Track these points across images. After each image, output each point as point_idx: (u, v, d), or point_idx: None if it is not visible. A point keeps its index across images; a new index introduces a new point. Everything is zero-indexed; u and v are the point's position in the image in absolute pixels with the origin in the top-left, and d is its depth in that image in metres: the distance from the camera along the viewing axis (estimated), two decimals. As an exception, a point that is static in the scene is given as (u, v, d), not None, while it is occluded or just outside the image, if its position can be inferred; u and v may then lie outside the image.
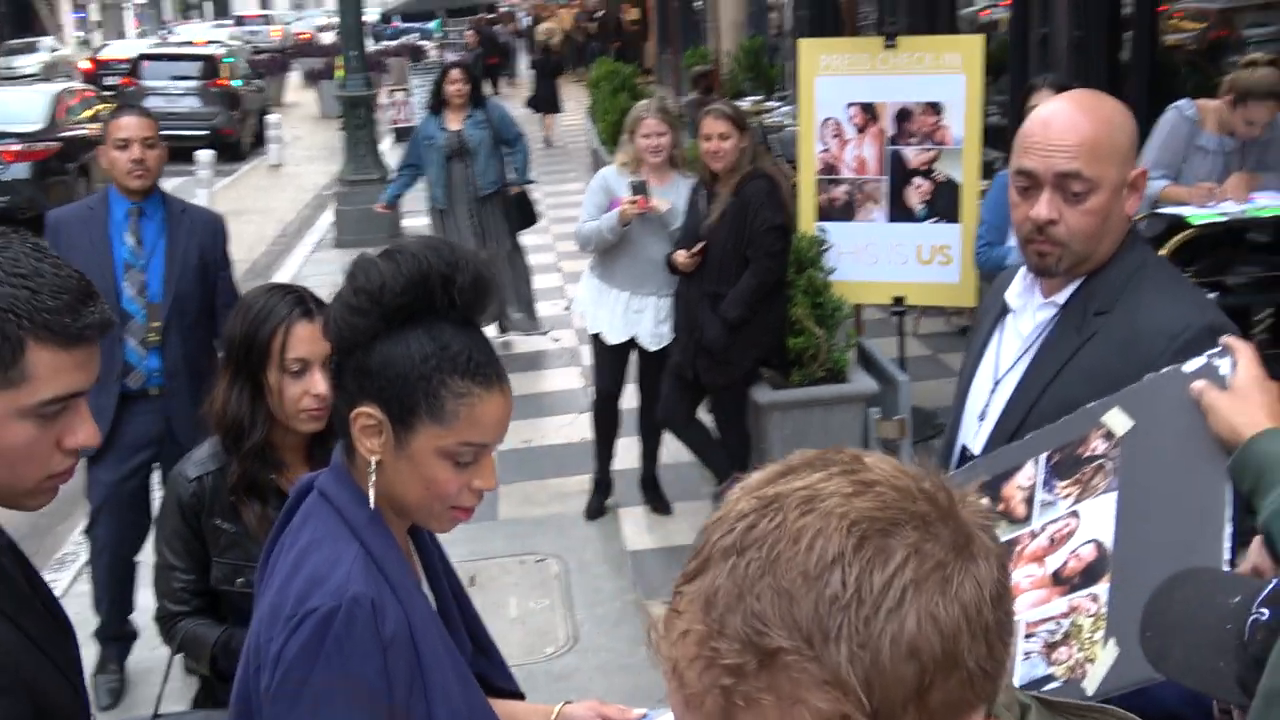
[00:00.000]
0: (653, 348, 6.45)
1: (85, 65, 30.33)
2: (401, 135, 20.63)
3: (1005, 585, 1.00)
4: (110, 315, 1.73)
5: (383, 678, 1.83)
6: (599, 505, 6.80)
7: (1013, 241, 5.63)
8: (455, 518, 1.96)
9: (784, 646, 0.93)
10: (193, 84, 23.02)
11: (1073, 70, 8.88)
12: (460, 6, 35.39)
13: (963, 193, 6.44)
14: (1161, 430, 2.07)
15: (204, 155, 15.98)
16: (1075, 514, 2.11)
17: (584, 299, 6.69)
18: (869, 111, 6.56)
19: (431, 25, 37.37)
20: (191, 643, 2.93)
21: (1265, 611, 1.49)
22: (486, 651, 2.28)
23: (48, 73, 30.58)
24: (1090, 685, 1.91)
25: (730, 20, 21.51)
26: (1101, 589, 1.99)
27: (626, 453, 7.04)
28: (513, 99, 24.31)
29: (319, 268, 13.25)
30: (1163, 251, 5.28)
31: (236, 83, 24.20)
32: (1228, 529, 1.90)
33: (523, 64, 35.71)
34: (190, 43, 29.54)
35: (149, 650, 5.10)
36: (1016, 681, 1.96)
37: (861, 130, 6.59)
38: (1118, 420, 2.12)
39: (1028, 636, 2.06)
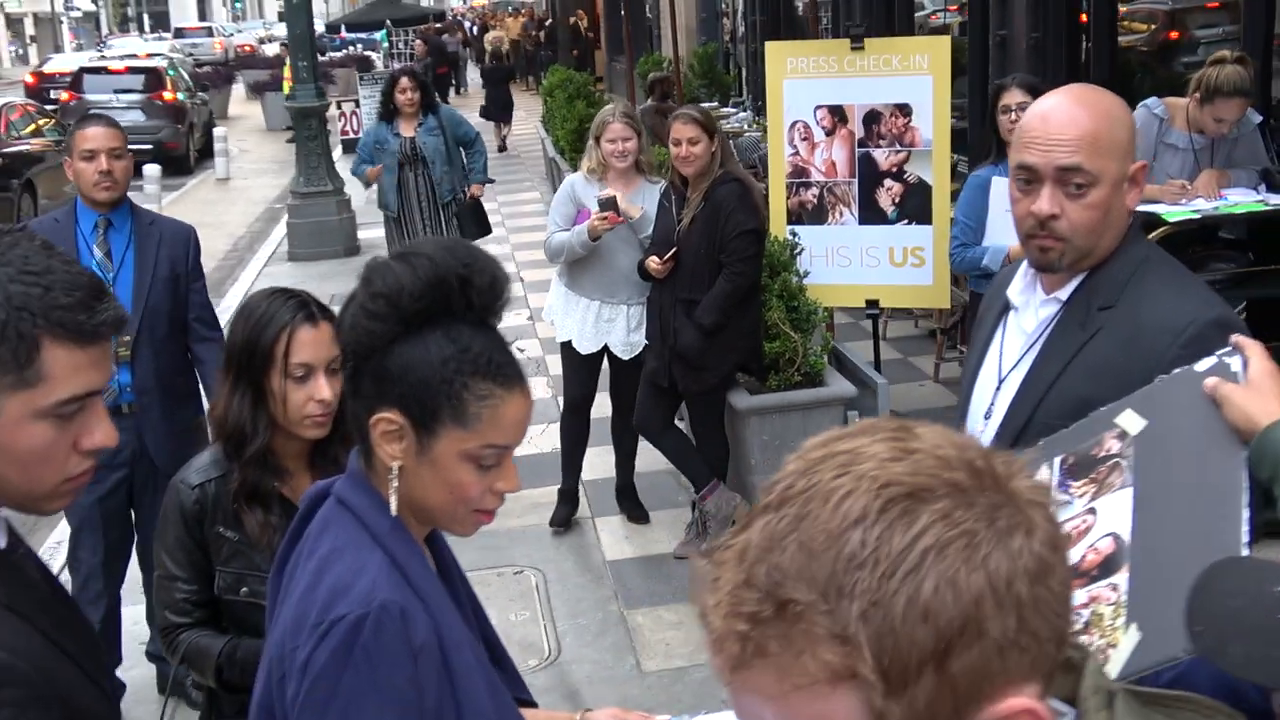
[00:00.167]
0: (626, 356, 6.46)
1: (27, 80, 30.03)
2: (350, 147, 20.54)
3: (1051, 562, 1.01)
4: (124, 312, 1.72)
5: (413, 686, 1.83)
6: (565, 515, 6.79)
7: (987, 241, 5.73)
8: (478, 521, 1.96)
9: (796, 598, 0.97)
10: (136, 97, 22.86)
11: (1031, 72, 8.97)
12: (406, 16, 35.31)
13: (934, 194, 6.51)
14: (1176, 426, 2.11)
15: (151, 170, 15.87)
16: (1092, 510, 2.14)
17: (553, 307, 6.70)
18: (837, 114, 6.63)
19: (378, 36, 37.25)
20: (195, 654, 2.91)
21: None
22: (500, 660, 2.29)
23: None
24: (1114, 669, 1.94)
25: (682, 26, 21.57)
26: (1120, 578, 2.02)
27: (600, 462, 7.05)
28: (462, 109, 24.31)
29: (272, 282, 13.05)
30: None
31: (181, 96, 24.04)
32: (1245, 514, 1.94)
33: (471, 75, 35.71)
34: (133, 55, 29.25)
35: (128, 669, 5.06)
36: None
37: (830, 133, 6.65)
38: (1131, 421, 2.16)
39: None
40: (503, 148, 22.32)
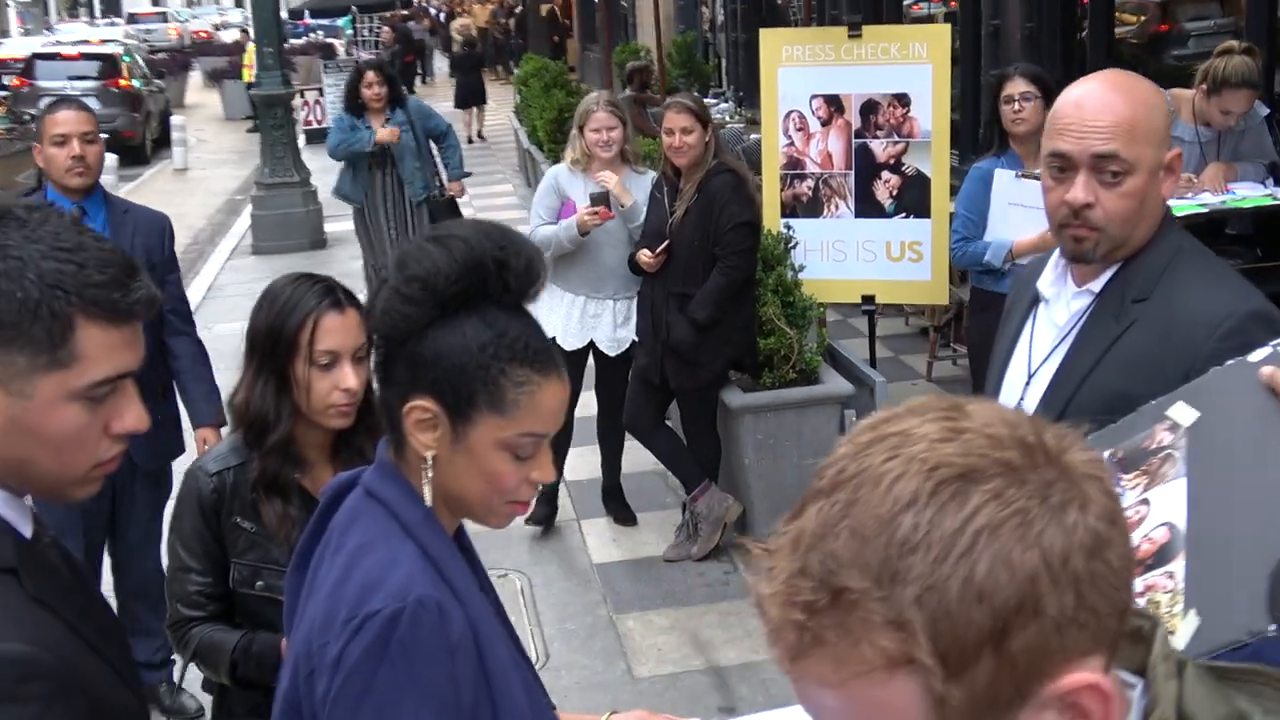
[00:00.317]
0: (612, 353, 6.47)
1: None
2: (314, 138, 20.46)
3: (1108, 536, 1.02)
4: (156, 291, 1.72)
5: (450, 683, 1.82)
6: (544, 515, 6.74)
7: (989, 236, 5.75)
8: (513, 512, 1.96)
9: (851, 586, 0.99)
10: (91, 84, 22.67)
11: (1026, 63, 9.03)
12: (372, 2, 35.19)
13: (933, 187, 6.53)
14: (1230, 416, 2.13)
15: (106, 159, 15.74)
16: (1145, 501, 2.15)
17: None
18: (834, 104, 6.65)
19: (341, 22, 37.09)
20: (208, 650, 2.89)
21: None
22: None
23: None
24: None
25: (660, 14, 21.59)
26: (1177, 566, 2.05)
27: (584, 463, 7.05)
28: (429, 99, 24.26)
29: (237, 275, 13.10)
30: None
31: (137, 83, 23.90)
32: None
33: (438, 63, 35.61)
34: (86, 42, 29.05)
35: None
36: None
37: (826, 123, 6.67)
38: (1183, 413, 2.18)
39: None
40: (472, 139, 22.28)
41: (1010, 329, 2.81)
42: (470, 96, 23.35)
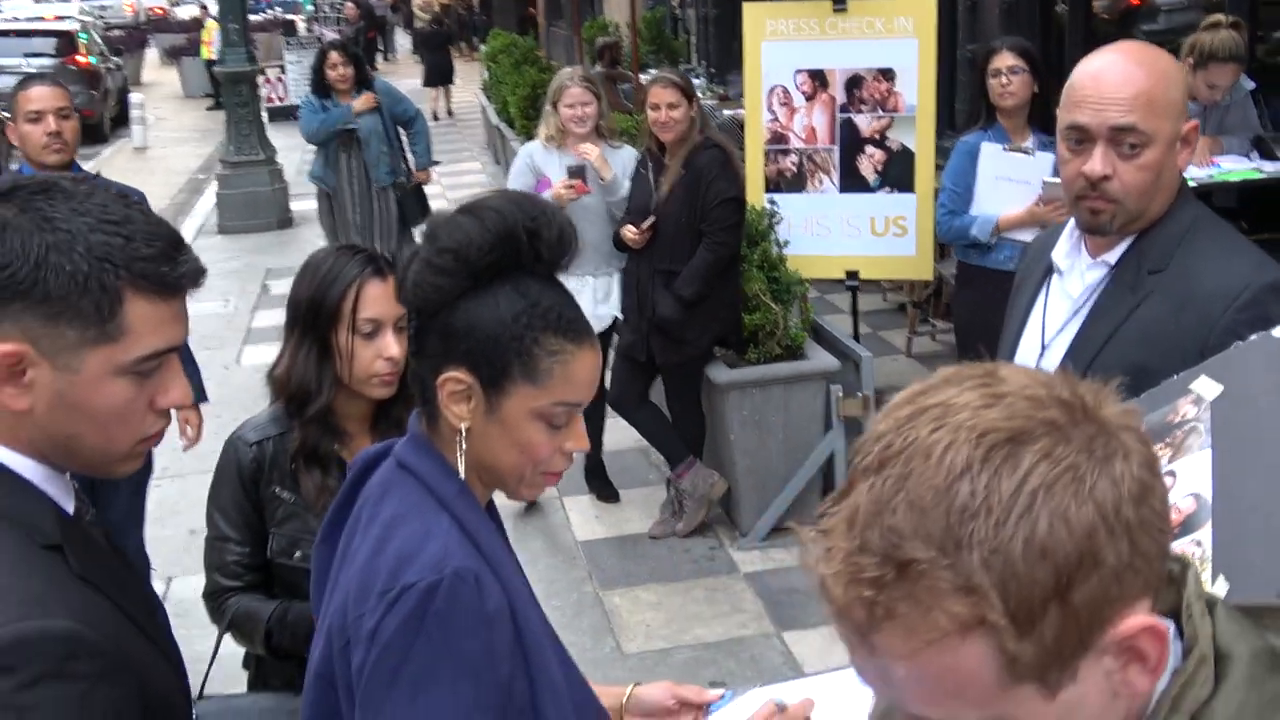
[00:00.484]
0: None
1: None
2: (276, 116, 20.32)
3: (1150, 482, 1.07)
4: (202, 264, 1.71)
5: (488, 655, 1.82)
6: None
7: (975, 210, 5.78)
8: (546, 483, 1.97)
9: (918, 557, 1.01)
10: (48, 62, 22.35)
11: (1004, 35, 9.06)
12: (332, -24, 34.94)
13: (917, 161, 6.55)
14: (1254, 388, 2.16)
15: (69, 137, 15.59)
16: (1171, 473, 2.18)
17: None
18: (818, 78, 6.65)
19: (301, -2, 36.88)
20: (244, 619, 2.91)
21: None
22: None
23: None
24: None
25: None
26: (1204, 534, 2.07)
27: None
28: (392, 77, 24.16)
29: (205, 255, 12.19)
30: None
31: (94, 60, 23.66)
32: None
33: (401, 40, 35.42)
34: (40, 18, 28.74)
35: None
36: None
37: (811, 98, 6.68)
38: (1206, 386, 2.20)
39: None
40: (438, 116, 22.24)
41: (1022, 300, 2.82)
42: (439, 75, 23.29)
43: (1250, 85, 6.29)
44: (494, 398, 1.87)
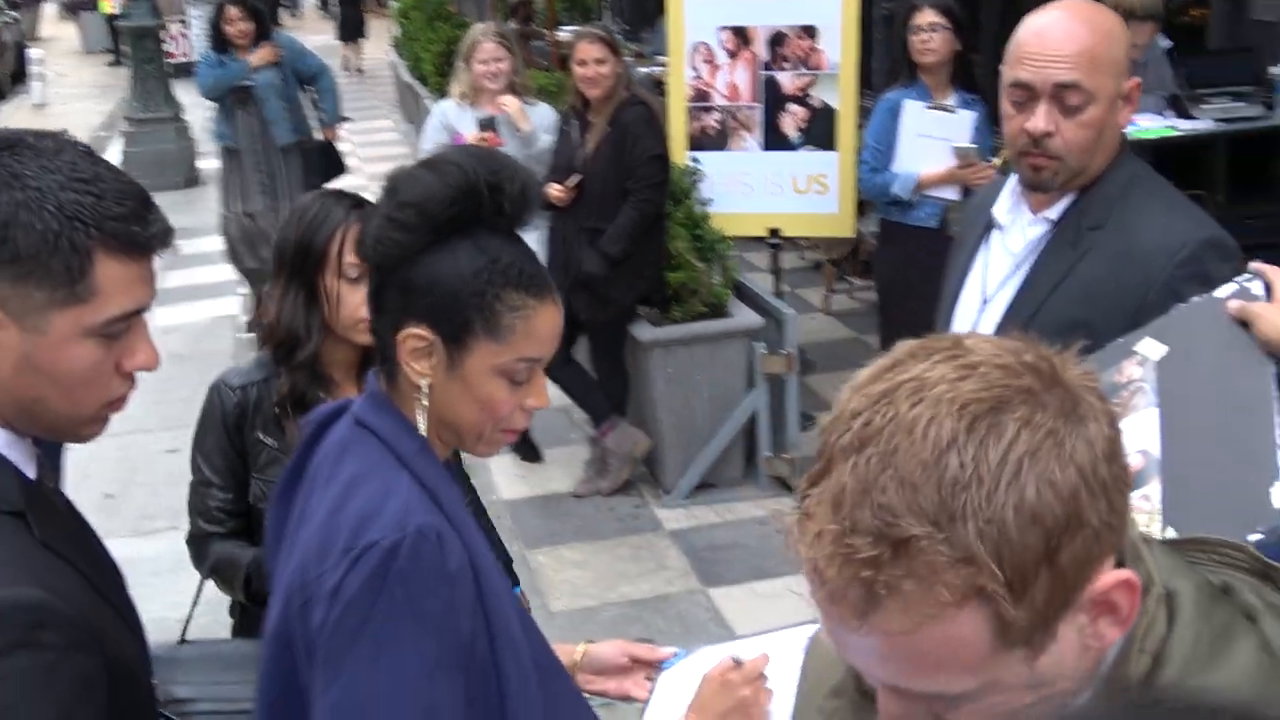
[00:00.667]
0: (514, 288, 6.43)
1: None
2: (180, 71, 19.92)
3: (1117, 441, 1.09)
4: (171, 224, 1.68)
5: (450, 612, 1.82)
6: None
7: (896, 168, 5.82)
8: (505, 440, 1.97)
9: (914, 533, 1.01)
10: (-59, 15, 21.89)
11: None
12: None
13: (839, 119, 6.58)
14: (1198, 348, 2.21)
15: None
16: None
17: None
18: (741, 36, 6.64)
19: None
20: (225, 564, 2.91)
21: None
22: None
23: None
24: None
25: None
26: (1152, 490, 2.12)
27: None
28: (299, 33, 23.78)
29: None
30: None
31: (-11, 14, 23.11)
32: (1277, 419, 2.04)
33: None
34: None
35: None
36: None
37: (734, 55, 6.67)
38: (1150, 347, 2.25)
39: None
40: (349, 69, 22.06)
41: (963, 256, 2.84)
42: (353, 28, 23.09)
43: (1166, 44, 6.38)
44: (455, 354, 1.86)
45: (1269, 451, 2.01)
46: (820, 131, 6.62)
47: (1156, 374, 2.22)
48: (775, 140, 6.69)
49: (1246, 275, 2.23)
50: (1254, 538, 1.85)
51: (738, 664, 2.12)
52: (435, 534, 1.82)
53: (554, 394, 6.62)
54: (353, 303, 2.76)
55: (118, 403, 1.68)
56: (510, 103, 6.24)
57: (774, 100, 6.65)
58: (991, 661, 1.06)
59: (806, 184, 6.68)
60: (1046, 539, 1.02)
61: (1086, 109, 2.49)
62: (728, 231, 6.59)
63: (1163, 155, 6.27)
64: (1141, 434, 2.19)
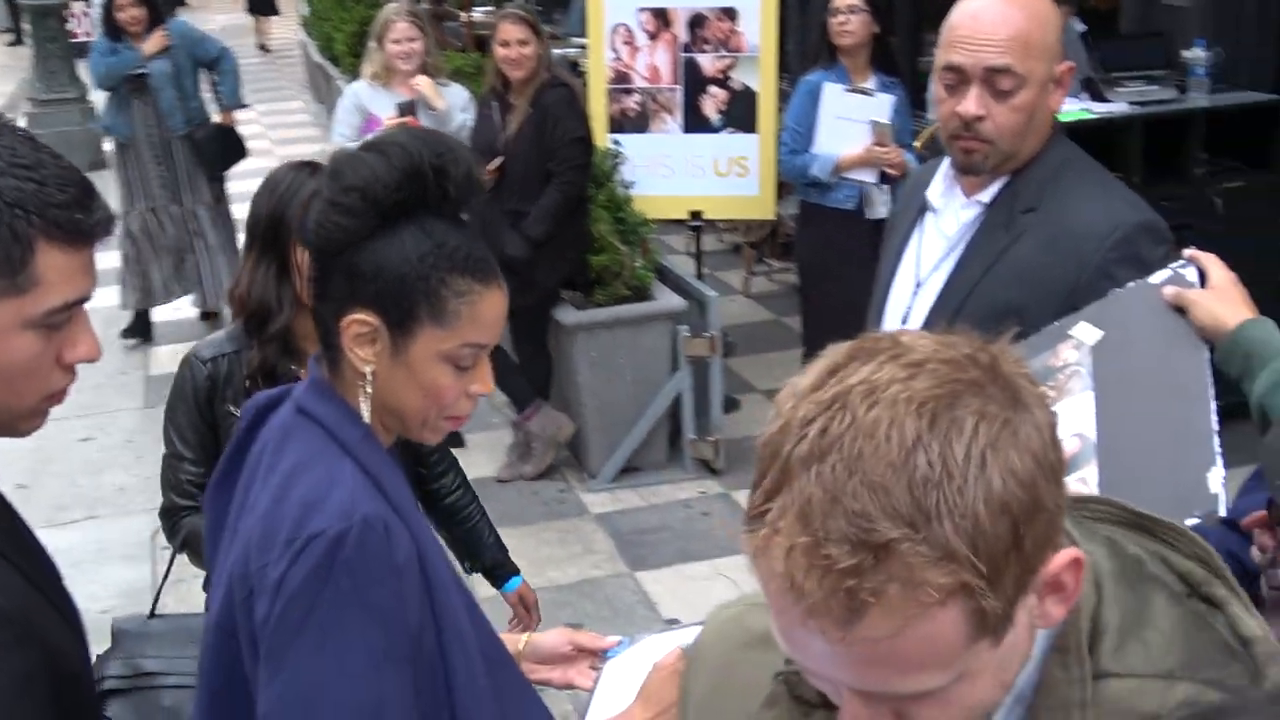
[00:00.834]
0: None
1: None
2: (83, 52, 19.54)
3: (1054, 423, 1.11)
4: (113, 212, 1.64)
5: (397, 603, 1.80)
6: None
7: (816, 150, 5.85)
8: (449, 427, 1.95)
9: (893, 537, 1.00)
10: None
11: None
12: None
13: (760, 101, 6.59)
14: (1133, 334, 2.24)
15: None
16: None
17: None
18: (661, 17, 6.64)
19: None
20: (196, 539, 2.86)
21: None
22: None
23: None
24: None
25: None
26: (1089, 473, 2.15)
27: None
28: (202, 12, 23.39)
29: None
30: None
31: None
32: (1213, 404, 2.08)
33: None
34: None
35: None
36: None
37: (654, 37, 6.67)
38: (1086, 332, 2.27)
39: None
40: (265, 49, 21.88)
41: (896, 238, 2.85)
42: (264, 3, 22.77)
43: (1080, 27, 6.46)
44: (400, 340, 1.83)
45: (1205, 436, 2.05)
46: (741, 114, 6.64)
47: (1092, 358, 2.25)
48: (696, 123, 6.71)
49: (1181, 261, 2.26)
50: (1191, 522, 1.88)
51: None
52: (383, 525, 1.80)
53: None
54: None
55: (58, 395, 1.64)
56: (424, 82, 6.20)
57: (694, 83, 6.66)
58: (964, 654, 1.06)
59: (728, 166, 6.69)
60: (1014, 527, 1.03)
61: (1018, 93, 2.51)
62: (649, 214, 6.59)
63: (1078, 138, 6.34)
64: (1078, 417, 2.22)
